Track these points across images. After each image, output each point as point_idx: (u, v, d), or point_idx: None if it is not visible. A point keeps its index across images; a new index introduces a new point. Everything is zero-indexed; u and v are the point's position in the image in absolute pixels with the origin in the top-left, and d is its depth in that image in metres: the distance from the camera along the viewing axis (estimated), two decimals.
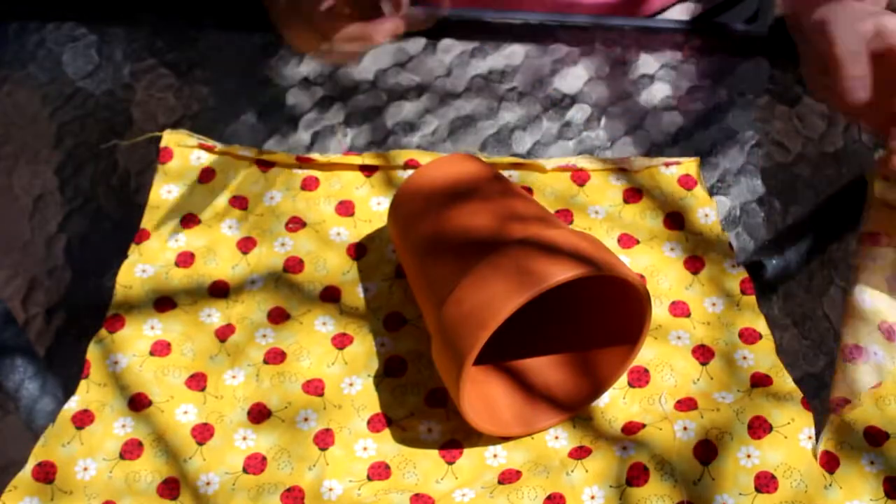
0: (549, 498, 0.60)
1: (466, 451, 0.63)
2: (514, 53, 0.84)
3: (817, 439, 0.62)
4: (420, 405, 0.65)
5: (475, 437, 0.63)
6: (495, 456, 0.63)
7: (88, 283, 0.72)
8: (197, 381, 0.66)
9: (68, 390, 0.66)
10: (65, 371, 0.67)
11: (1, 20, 0.87)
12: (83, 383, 0.65)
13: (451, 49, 0.85)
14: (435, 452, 0.63)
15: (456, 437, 0.63)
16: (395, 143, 0.79)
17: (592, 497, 0.60)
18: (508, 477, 0.61)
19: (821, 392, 0.65)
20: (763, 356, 0.66)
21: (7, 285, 0.72)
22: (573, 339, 0.66)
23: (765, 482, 0.60)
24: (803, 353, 0.67)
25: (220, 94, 0.82)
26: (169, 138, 0.77)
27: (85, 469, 0.62)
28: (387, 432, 0.64)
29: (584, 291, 0.64)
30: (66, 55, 0.85)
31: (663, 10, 0.93)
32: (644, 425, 0.63)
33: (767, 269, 0.72)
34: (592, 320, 0.65)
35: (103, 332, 0.68)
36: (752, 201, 0.76)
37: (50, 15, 0.87)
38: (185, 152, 0.76)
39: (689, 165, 0.76)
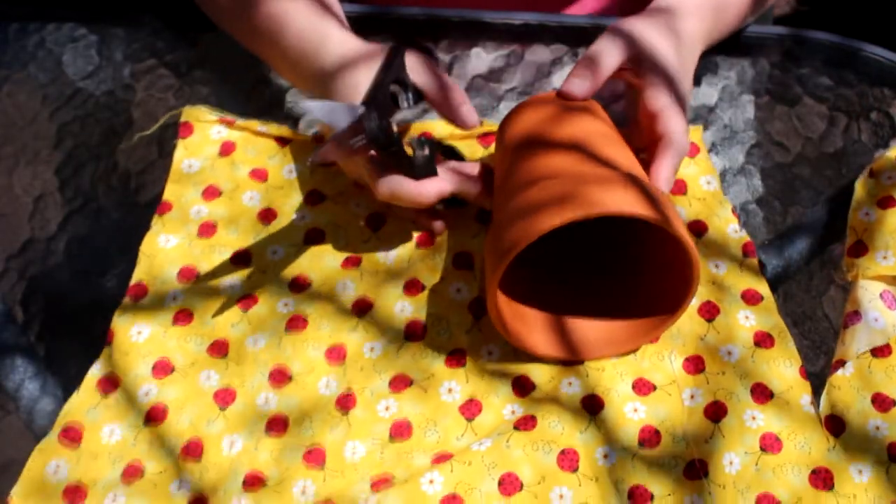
0: (562, 453, 0.62)
1: (485, 408, 0.64)
2: (514, 53, 0.84)
3: (817, 405, 0.64)
4: (440, 367, 0.66)
5: (494, 395, 0.64)
6: (513, 412, 0.64)
7: (88, 283, 0.72)
8: (218, 348, 0.67)
9: (68, 390, 0.66)
10: (65, 371, 0.67)
11: (1, 20, 0.87)
12: (106, 350, 0.67)
13: (451, 49, 0.85)
14: (455, 410, 0.64)
15: (475, 396, 0.65)
16: None
17: (605, 456, 0.62)
18: (524, 423, 0.63)
19: (821, 390, 0.65)
20: (765, 317, 0.67)
21: (7, 285, 0.72)
22: (623, 289, 0.67)
23: (770, 443, 0.62)
24: (803, 354, 0.67)
25: (220, 94, 0.82)
26: (189, 113, 0.78)
27: (111, 433, 0.63)
28: (408, 392, 0.65)
29: (644, 246, 0.66)
30: (67, 56, 0.85)
31: None
32: (654, 387, 0.64)
33: (767, 269, 0.72)
34: (646, 278, 0.66)
35: (127, 300, 0.69)
36: (752, 201, 0.76)
37: (50, 15, 0.87)
38: (205, 127, 0.78)
39: (692, 133, 0.76)
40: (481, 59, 0.84)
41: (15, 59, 0.85)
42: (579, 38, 0.85)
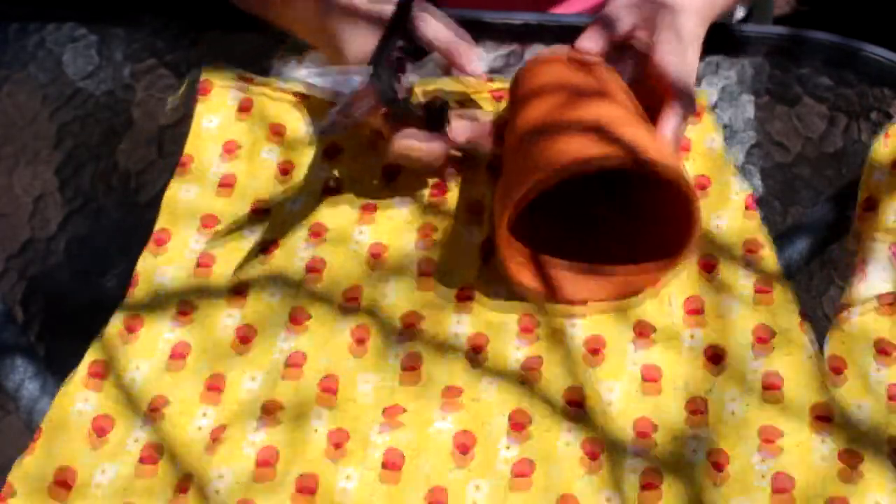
0: (568, 390, 0.63)
1: (492, 342, 0.66)
2: (514, 53, 0.84)
3: (819, 347, 0.65)
4: (451, 302, 0.68)
5: (500, 332, 0.67)
6: (518, 348, 0.66)
7: (88, 283, 0.72)
8: (238, 291, 0.69)
9: None
10: (65, 371, 0.67)
11: (1, 20, 0.87)
12: (130, 292, 0.69)
13: None
14: (464, 343, 0.66)
15: (483, 330, 0.67)
16: None
17: (610, 390, 0.64)
18: (529, 365, 0.65)
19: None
20: (766, 266, 0.69)
21: (7, 285, 0.72)
22: (629, 238, 0.70)
23: (771, 382, 0.63)
24: None
25: None
26: (208, 73, 0.80)
27: (137, 368, 0.65)
28: (420, 325, 0.67)
29: (649, 194, 0.68)
30: (67, 55, 0.85)
31: None
32: (654, 329, 0.66)
33: None
34: (651, 228, 0.69)
35: (151, 246, 0.71)
36: None
37: (50, 15, 0.87)
38: (224, 84, 0.80)
39: (699, 95, 0.79)
40: (481, 58, 0.84)
41: (15, 59, 0.85)
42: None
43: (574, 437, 0.62)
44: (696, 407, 0.62)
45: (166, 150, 0.78)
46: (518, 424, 0.62)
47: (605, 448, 0.61)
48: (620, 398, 0.63)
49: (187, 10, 0.85)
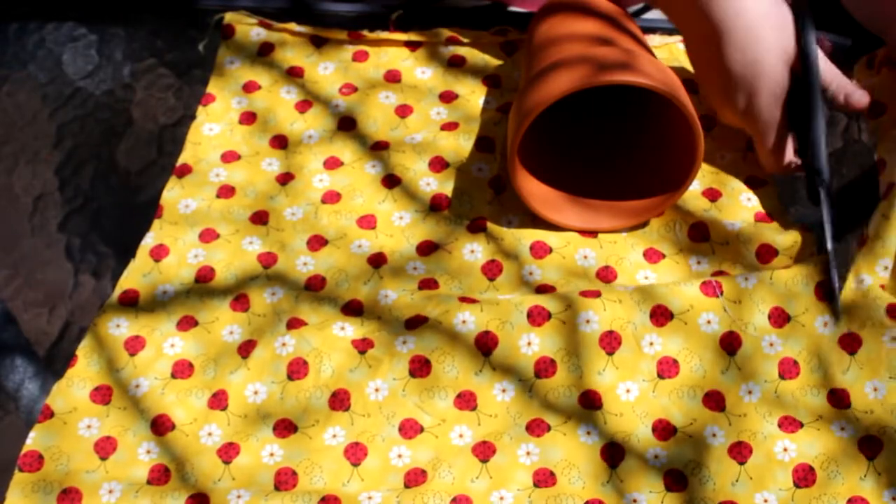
0: (583, 293, 0.67)
1: (506, 269, 0.70)
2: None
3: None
4: (463, 232, 0.72)
5: (513, 257, 0.70)
6: (531, 273, 0.70)
7: (88, 283, 0.72)
8: (259, 217, 0.73)
9: None
10: (65, 371, 0.67)
11: (1, 20, 0.87)
12: (156, 222, 0.72)
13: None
14: (478, 270, 0.70)
15: (496, 256, 0.70)
16: None
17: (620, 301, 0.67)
18: (544, 288, 0.69)
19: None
20: (766, 199, 0.74)
21: (7, 285, 0.72)
22: (635, 169, 0.74)
23: (768, 257, 0.69)
24: None
25: None
26: (230, 17, 0.84)
27: (164, 293, 0.69)
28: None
29: (656, 129, 0.73)
30: (66, 55, 0.85)
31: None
32: (663, 256, 0.70)
33: None
34: (656, 159, 0.72)
35: (173, 178, 0.75)
36: None
37: (50, 15, 0.87)
38: (246, 28, 0.83)
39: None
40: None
41: (15, 58, 0.85)
42: None
43: (595, 324, 0.65)
44: (711, 286, 0.66)
45: (166, 150, 0.78)
46: (538, 318, 0.65)
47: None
48: (635, 289, 0.66)
49: (187, 10, 0.85)
